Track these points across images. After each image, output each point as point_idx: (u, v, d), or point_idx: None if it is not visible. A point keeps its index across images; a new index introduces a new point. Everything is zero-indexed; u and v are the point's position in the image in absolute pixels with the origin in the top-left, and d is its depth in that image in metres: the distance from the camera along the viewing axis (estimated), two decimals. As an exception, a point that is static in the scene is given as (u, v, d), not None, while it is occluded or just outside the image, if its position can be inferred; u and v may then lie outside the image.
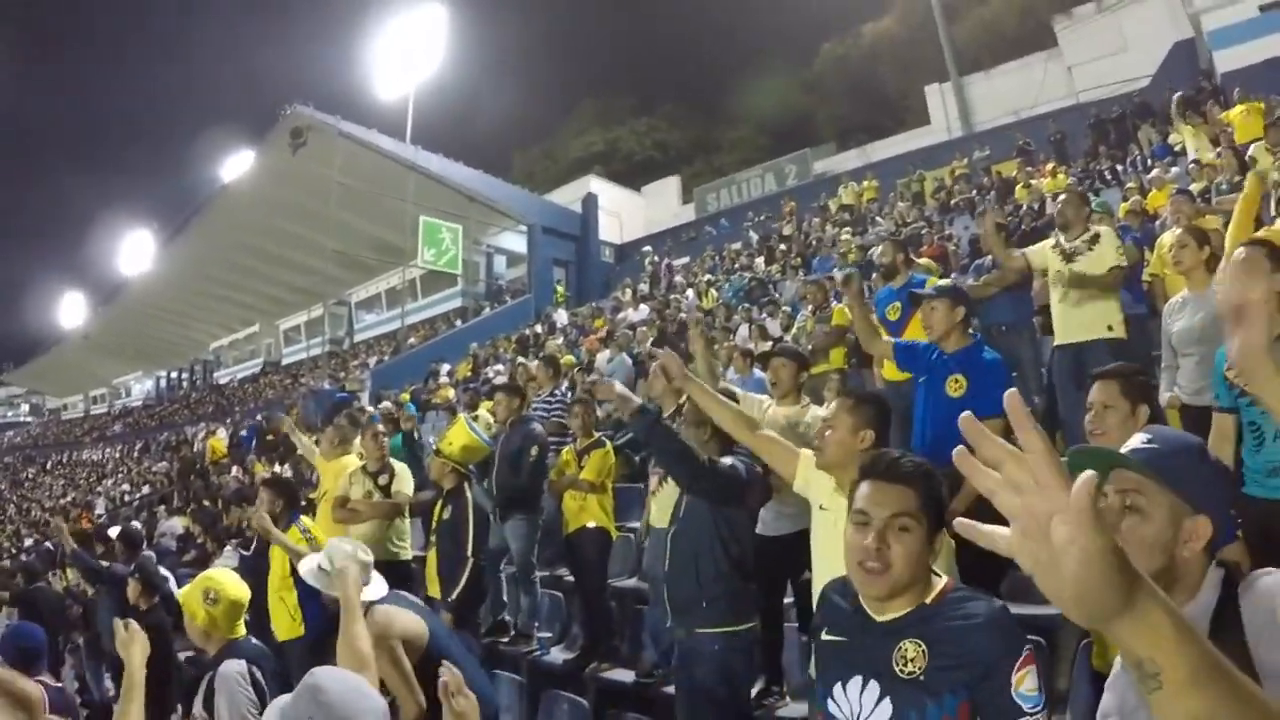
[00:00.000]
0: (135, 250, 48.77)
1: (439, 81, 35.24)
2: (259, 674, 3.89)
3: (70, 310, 62.16)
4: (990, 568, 4.11)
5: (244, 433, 25.25)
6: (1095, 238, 5.95)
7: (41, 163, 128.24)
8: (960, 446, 1.06)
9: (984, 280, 7.42)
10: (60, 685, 4.88)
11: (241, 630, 4.13)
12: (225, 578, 4.17)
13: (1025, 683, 1.93)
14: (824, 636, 2.29)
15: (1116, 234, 6.20)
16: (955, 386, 4.49)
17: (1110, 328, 5.67)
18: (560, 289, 31.35)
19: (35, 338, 68.32)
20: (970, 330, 4.82)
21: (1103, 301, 5.74)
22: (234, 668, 3.86)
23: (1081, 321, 5.74)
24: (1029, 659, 1.96)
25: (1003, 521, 0.98)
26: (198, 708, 3.96)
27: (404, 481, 7.07)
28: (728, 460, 4.01)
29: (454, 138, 40.11)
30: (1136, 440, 1.78)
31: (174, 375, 59.37)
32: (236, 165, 37.19)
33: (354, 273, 41.36)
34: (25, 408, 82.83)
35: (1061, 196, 6.52)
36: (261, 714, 3.61)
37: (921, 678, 2.00)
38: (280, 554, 6.13)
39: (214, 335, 55.83)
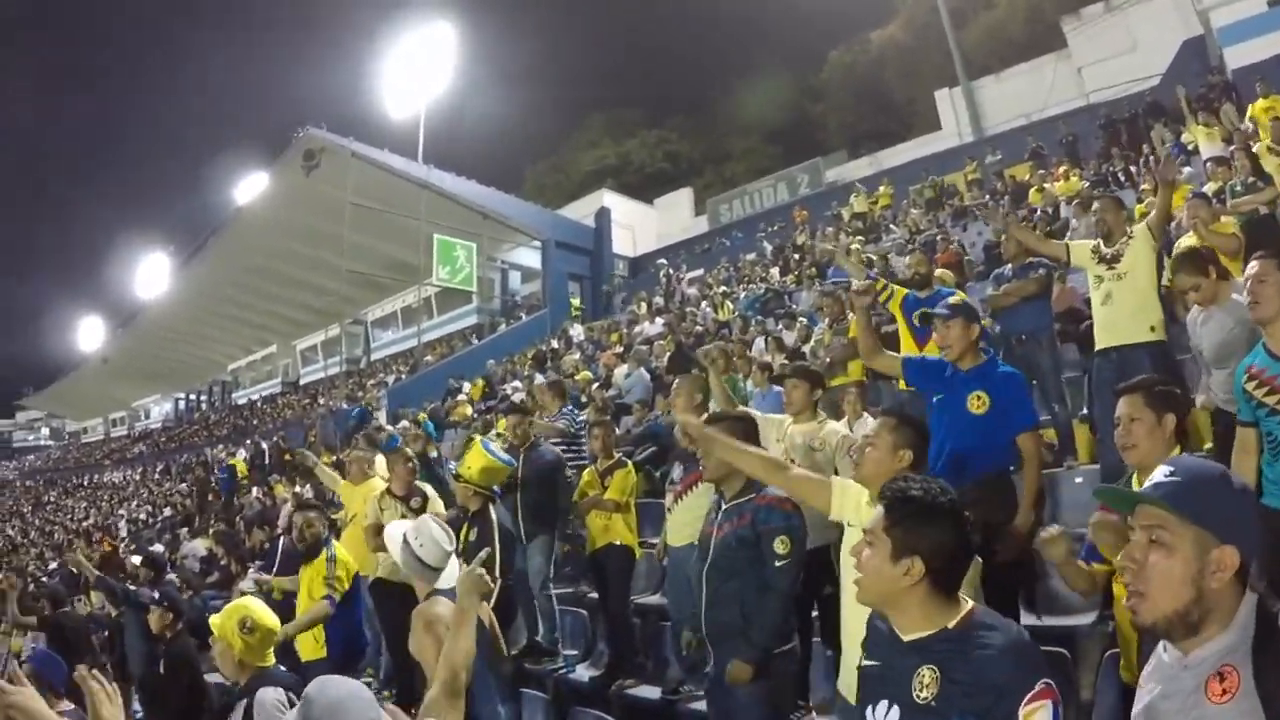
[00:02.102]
0: (152, 274, 49.19)
1: (449, 100, 35.45)
2: (296, 700, 3.77)
3: (89, 334, 62.91)
4: (1008, 581, 4.13)
5: (221, 474, 25.28)
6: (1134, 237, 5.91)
7: (58, 190, 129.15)
8: None
9: (1004, 289, 7.39)
10: (75, 710, 4.89)
11: (272, 659, 4.17)
12: (259, 607, 4.20)
13: (1036, 717, 1.94)
14: (864, 663, 2.35)
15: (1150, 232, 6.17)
16: (978, 403, 4.48)
17: (1152, 328, 5.62)
18: (575, 303, 31.31)
19: (55, 362, 69.14)
20: (982, 347, 4.80)
21: (1145, 303, 5.70)
22: (271, 695, 3.88)
23: (1124, 324, 5.70)
24: (1043, 694, 1.95)
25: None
26: None
27: (436, 504, 7.12)
28: (783, 546, 4.01)
29: (465, 155, 40.20)
30: (1159, 474, 1.77)
31: (192, 397, 59.83)
32: (251, 188, 37.38)
33: (369, 292, 41.57)
34: (46, 431, 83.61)
35: (1096, 205, 6.46)
36: None
37: (934, 703, 2.04)
38: (310, 576, 6.13)
39: (231, 356, 56.20)
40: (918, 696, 2.08)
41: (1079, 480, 6.28)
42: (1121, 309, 5.72)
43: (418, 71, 33.70)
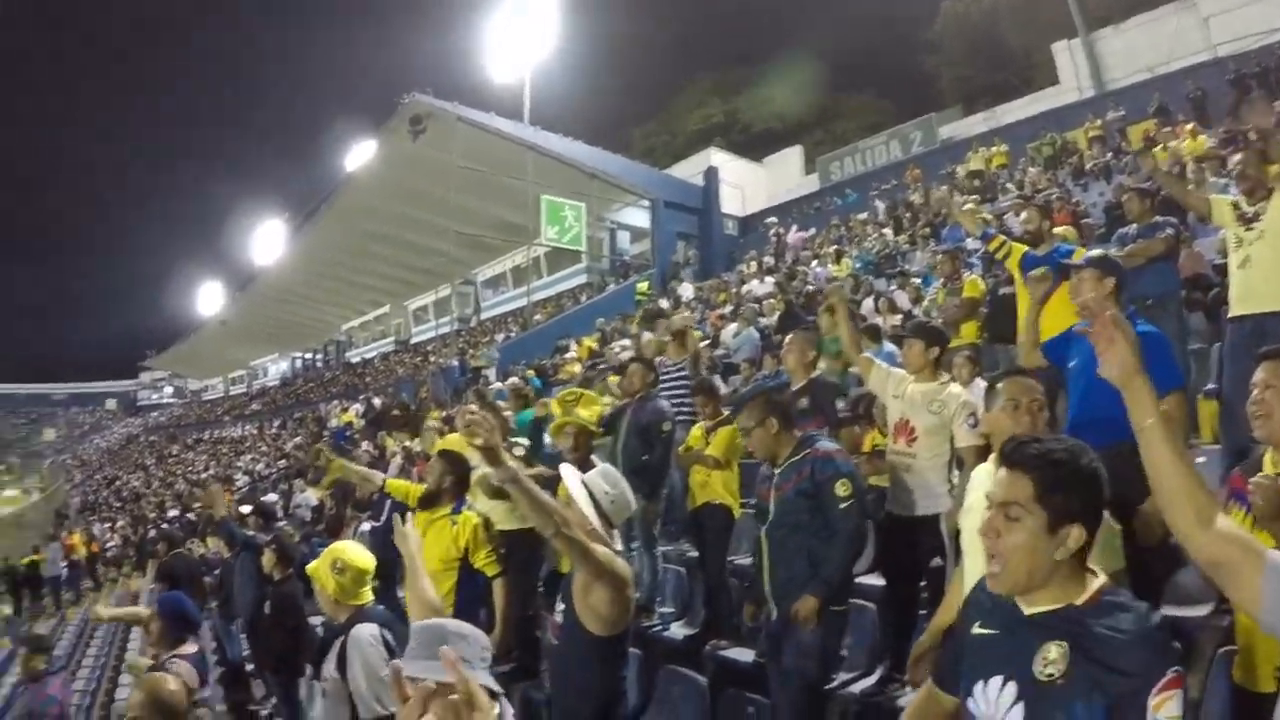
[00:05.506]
0: (268, 239, 50.49)
1: (554, 61, 35.58)
2: (389, 637, 4.07)
3: (208, 298, 64.91)
4: (1155, 564, 3.88)
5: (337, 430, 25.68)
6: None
7: (181, 163, 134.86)
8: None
9: (1129, 250, 7.02)
10: (198, 650, 5.23)
11: (369, 597, 4.31)
12: (351, 549, 4.36)
13: (1166, 708, 1.75)
14: (973, 631, 2.17)
15: None
16: None
17: None
18: (642, 287, 30.71)
19: (177, 324, 71.97)
20: (1121, 303, 4.46)
21: None
22: (366, 631, 4.05)
23: (1262, 289, 5.33)
24: (1174, 682, 1.77)
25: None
26: (330, 669, 4.13)
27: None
28: (844, 489, 4.14)
29: (572, 116, 40.38)
30: None
31: (308, 356, 61.21)
32: (360, 154, 37.89)
33: (479, 253, 42.06)
34: (169, 390, 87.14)
35: (1239, 156, 6.05)
36: None
37: (1060, 681, 1.85)
38: (443, 535, 5.76)
39: (345, 317, 57.47)
40: (1040, 674, 1.89)
41: (1202, 460, 5.94)
42: (1260, 272, 5.34)
43: (521, 35, 33.86)
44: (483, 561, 5.50)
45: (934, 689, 2.42)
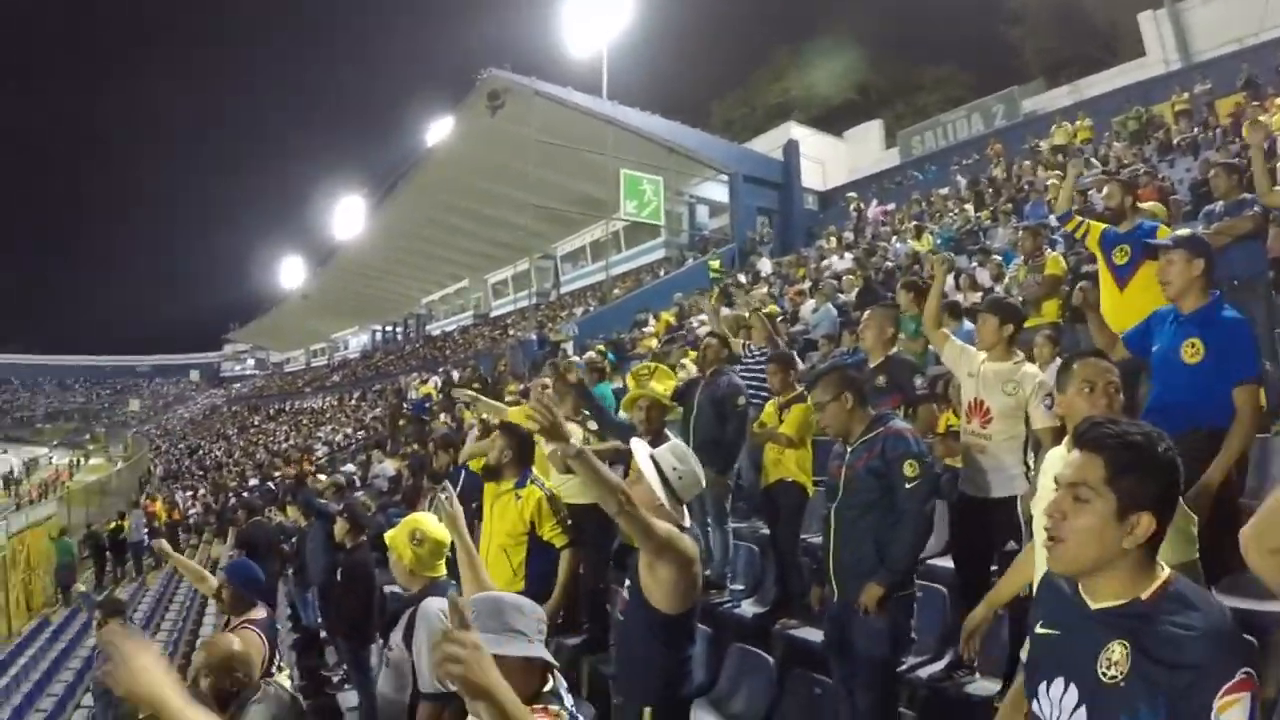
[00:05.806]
0: (348, 215, 51.38)
1: (631, 35, 35.47)
2: None
3: (290, 272, 66.31)
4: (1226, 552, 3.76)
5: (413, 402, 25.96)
6: None
7: (264, 142, 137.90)
8: None
9: (1215, 228, 6.78)
10: (268, 615, 5.27)
11: (443, 570, 4.36)
12: (430, 521, 4.39)
13: (1230, 711, 1.65)
14: (1038, 630, 2.10)
15: None
16: (1191, 351, 4.02)
17: None
18: (714, 264, 29.83)
19: (259, 298, 73.87)
20: (1211, 287, 4.22)
21: None
22: (435, 604, 4.04)
23: None
24: (1243, 684, 1.67)
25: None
26: (396, 639, 4.20)
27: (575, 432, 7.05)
28: (911, 469, 4.12)
29: (650, 90, 40.30)
30: None
31: (388, 329, 62.04)
32: (439, 130, 38.36)
33: (557, 227, 42.24)
34: (251, 362, 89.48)
35: None
36: None
37: (1122, 683, 1.77)
38: (509, 509, 5.78)
39: (425, 291, 58.05)
40: (1104, 674, 1.80)
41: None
42: None
43: (598, 8, 33.84)
44: (550, 533, 5.48)
45: (1022, 694, 2.35)
